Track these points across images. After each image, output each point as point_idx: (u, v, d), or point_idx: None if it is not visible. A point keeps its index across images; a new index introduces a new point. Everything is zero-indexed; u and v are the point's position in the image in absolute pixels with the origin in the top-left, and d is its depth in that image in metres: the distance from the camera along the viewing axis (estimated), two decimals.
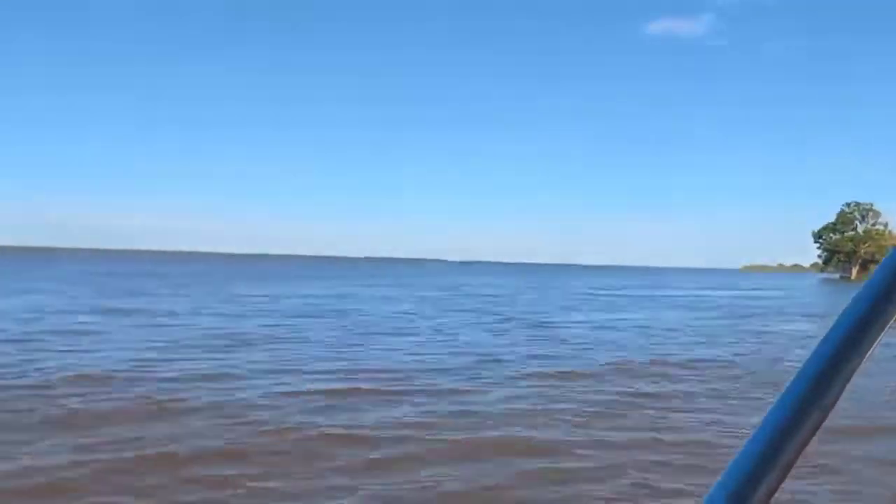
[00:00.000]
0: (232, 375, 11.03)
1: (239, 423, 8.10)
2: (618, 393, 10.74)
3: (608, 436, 8.09)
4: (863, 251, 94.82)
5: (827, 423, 0.50)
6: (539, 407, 9.54)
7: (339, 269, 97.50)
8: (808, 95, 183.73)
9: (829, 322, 0.52)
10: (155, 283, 40.25)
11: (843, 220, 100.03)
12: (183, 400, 9.12)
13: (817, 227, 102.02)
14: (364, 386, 10.55)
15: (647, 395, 10.75)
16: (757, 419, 0.54)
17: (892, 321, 0.52)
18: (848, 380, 0.52)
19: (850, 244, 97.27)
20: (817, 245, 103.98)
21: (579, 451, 7.43)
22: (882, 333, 0.51)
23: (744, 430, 8.06)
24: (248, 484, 6.14)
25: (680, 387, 11.49)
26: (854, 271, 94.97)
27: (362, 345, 15.47)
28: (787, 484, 0.49)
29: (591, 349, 15.84)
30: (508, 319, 23.19)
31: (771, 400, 0.52)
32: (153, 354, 12.85)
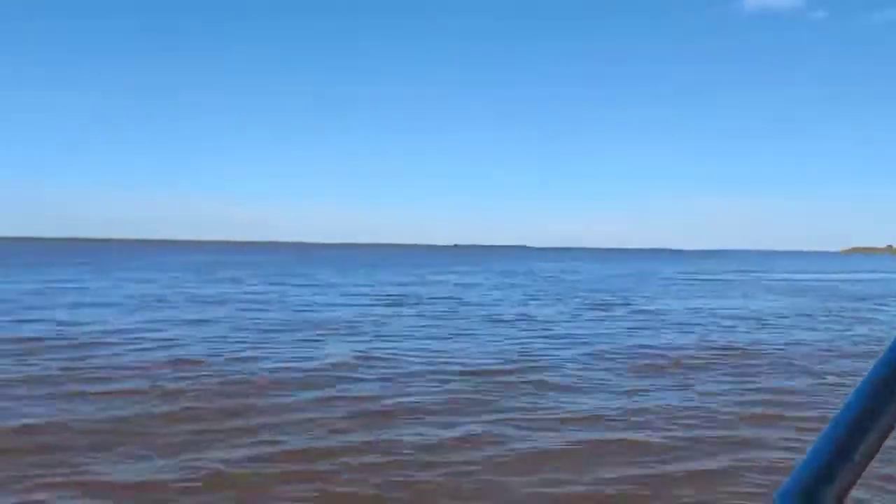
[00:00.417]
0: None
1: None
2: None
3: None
4: None
5: None
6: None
7: (425, 257, 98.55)
8: None
9: None
10: (278, 270, 42.07)
11: None
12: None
13: None
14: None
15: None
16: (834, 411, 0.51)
17: None
18: None
19: None
20: None
21: None
22: None
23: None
24: None
25: None
26: None
27: (471, 334, 15.58)
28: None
29: (703, 333, 15.34)
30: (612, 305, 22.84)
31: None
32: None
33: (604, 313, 20.92)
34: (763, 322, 19.01)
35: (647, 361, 12.20)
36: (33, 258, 63.35)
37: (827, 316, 21.07)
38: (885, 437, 0.49)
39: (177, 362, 11.18)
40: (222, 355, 11.90)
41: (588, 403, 8.99)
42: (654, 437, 7.45)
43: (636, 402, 9.10)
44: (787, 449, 7.14)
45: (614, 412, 8.52)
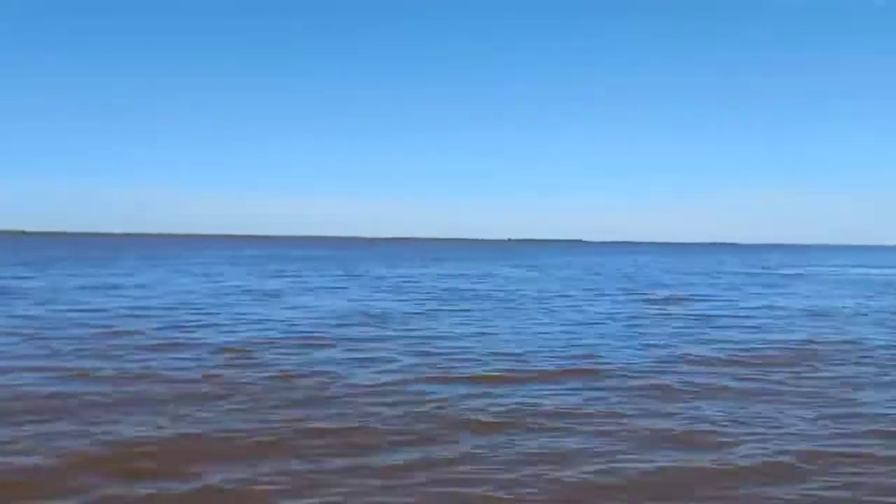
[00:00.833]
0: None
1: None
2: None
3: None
4: None
5: None
6: None
7: (482, 251, 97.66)
8: None
9: None
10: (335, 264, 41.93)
11: None
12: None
13: None
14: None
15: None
16: None
17: None
18: None
19: None
20: None
21: None
22: None
23: None
24: None
25: None
26: None
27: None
28: None
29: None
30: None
31: None
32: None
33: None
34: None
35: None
36: (97, 253, 64.71)
37: None
38: None
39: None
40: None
41: None
42: None
43: None
44: None
45: None
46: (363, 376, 9.65)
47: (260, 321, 15.60)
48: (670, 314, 18.49)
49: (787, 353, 12.26)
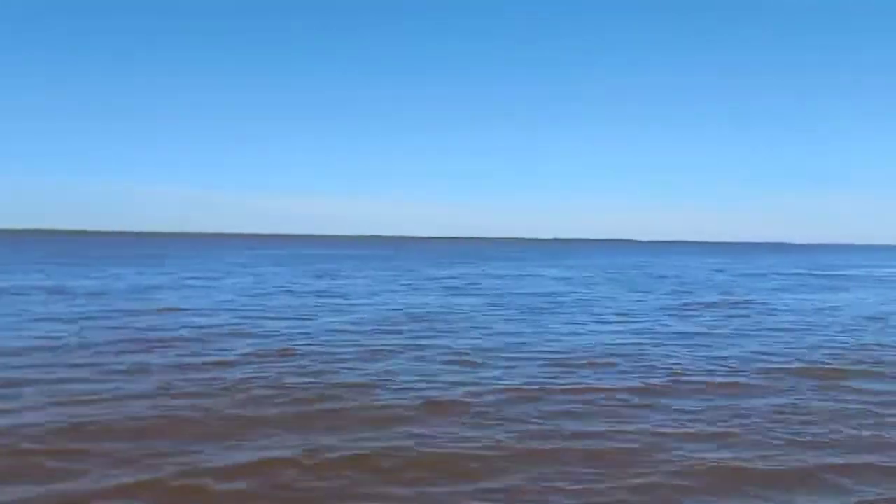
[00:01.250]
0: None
1: None
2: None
3: None
4: None
5: None
6: None
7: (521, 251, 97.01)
8: None
9: None
10: (377, 263, 42.14)
11: None
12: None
13: None
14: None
15: None
16: None
17: None
18: None
19: None
20: None
21: None
22: None
23: None
24: None
25: None
26: None
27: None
28: None
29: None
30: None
31: None
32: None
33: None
34: None
35: None
36: (126, 252, 65.38)
37: None
38: None
39: None
40: None
41: None
42: None
43: None
44: None
45: None
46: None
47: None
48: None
49: None
